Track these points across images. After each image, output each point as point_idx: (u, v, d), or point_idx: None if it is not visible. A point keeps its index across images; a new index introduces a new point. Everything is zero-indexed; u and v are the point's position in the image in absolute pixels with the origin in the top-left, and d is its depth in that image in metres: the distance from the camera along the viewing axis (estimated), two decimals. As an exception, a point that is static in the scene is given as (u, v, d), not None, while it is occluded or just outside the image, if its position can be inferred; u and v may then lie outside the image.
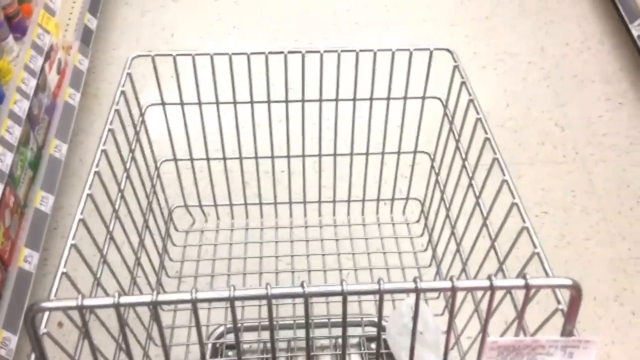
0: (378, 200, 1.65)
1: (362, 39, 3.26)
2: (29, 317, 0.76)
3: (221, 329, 1.59)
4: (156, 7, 3.41)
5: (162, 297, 0.75)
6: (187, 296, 0.75)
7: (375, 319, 1.60)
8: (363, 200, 1.64)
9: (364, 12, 3.42)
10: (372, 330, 1.59)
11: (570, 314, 0.80)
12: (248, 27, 3.30)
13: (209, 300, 0.76)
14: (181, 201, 1.61)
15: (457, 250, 1.40)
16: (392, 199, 1.64)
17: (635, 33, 3.00)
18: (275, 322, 1.51)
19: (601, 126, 2.93)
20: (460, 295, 1.34)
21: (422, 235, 1.63)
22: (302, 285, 0.76)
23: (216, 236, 1.63)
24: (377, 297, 1.51)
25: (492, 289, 0.77)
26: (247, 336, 1.53)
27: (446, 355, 0.86)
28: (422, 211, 1.63)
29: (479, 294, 1.12)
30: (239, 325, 1.50)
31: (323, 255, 1.61)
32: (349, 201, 1.64)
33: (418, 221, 1.65)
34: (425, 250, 1.61)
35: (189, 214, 1.64)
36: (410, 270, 1.58)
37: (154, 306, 0.77)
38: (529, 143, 2.88)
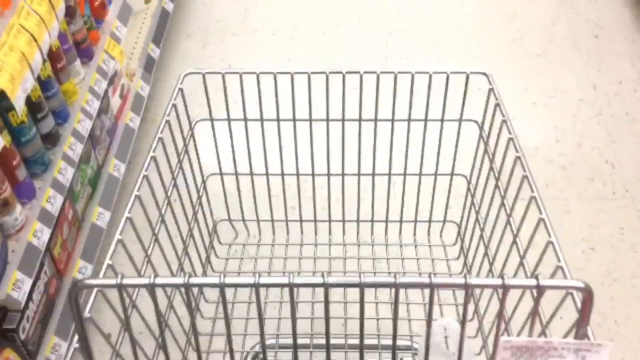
0: (415, 221, 1.68)
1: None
2: (72, 293, 0.83)
3: (258, 346, 1.64)
4: (216, 40, 3.57)
5: (193, 280, 0.81)
6: (215, 280, 0.81)
7: (408, 342, 1.62)
8: (400, 221, 1.68)
9: (415, 48, 3.49)
10: (406, 354, 1.61)
11: (583, 316, 0.83)
12: (302, 61, 3.42)
13: (236, 286, 0.82)
14: (225, 215, 1.69)
15: (490, 270, 1.43)
16: (430, 221, 1.68)
17: (690, 72, 2.97)
18: (309, 341, 1.55)
19: (653, 165, 2.89)
20: (486, 298, 1.36)
21: (458, 258, 1.65)
22: (322, 276, 0.82)
23: (257, 250, 1.69)
24: (409, 314, 1.54)
25: (505, 287, 0.81)
26: (282, 356, 1.58)
27: (461, 351, 0.89)
28: (458, 233, 1.66)
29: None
30: (275, 341, 1.55)
31: (359, 273, 1.65)
32: (386, 221, 1.68)
33: (455, 244, 1.68)
34: (461, 272, 1.63)
35: (233, 228, 1.71)
36: (444, 292, 1.61)
37: (186, 289, 0.83)
38: (578, 179, 2.86)
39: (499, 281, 0.80)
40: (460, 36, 3.57)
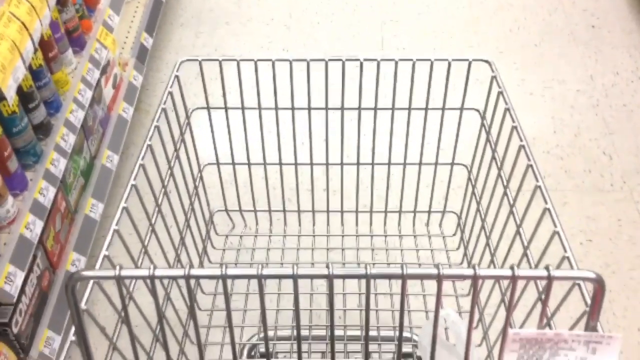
0: (415, 212, 1.66)
1: (408, 64, 3.29)
2: (69, 286, 0.80)
3: (255, 338, 1.62)
4: (210, 29, 3.53)
5: (194, 272, 0.79)
6: (217, 272, 0.79)
7: (408, 334, 1.60)
8: (400, 212, 1.66)
9: (411, 38, 3.46)
10: (406, 346, 1.59)
11: (594, 308, 0.81)
12: (297, 50, 3.39)
13: (239, 277, 0.80)
14: (222, 205, 1.66)
15: (492, 261, 1.41)
16: (429, 211, 1.65)
17: (687, 62, 2.96)
18: (308, 333, 1.53)
19: (650, 156, 2.88)
20: (487, 290, 1.34)
21: (458, 248, 1.63)
22: (327, 267, 0.79)
23: (254, 241, 1.66)
24: (409, 307, 1.52)
25: (514, 278, 0.78)
26: (280, 348, 1.55)
27: (468, 345, 0.87)
28: (458, 224, 1.64)
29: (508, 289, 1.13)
30: (273, 334, 1.52)
31: (358, 264, 1.63)
32: (385, 212, 1.65)
33: (454, 234, 1.65)
34: (461, 263, 1.61)
35: (229, 219, 1.69)
36: (445, 283, 1.58)
37: (187, 281, 0.80)
38: (575, 170, 2.85)
39: (508, 272, 0.78)
40: (456, 26, 3.54)
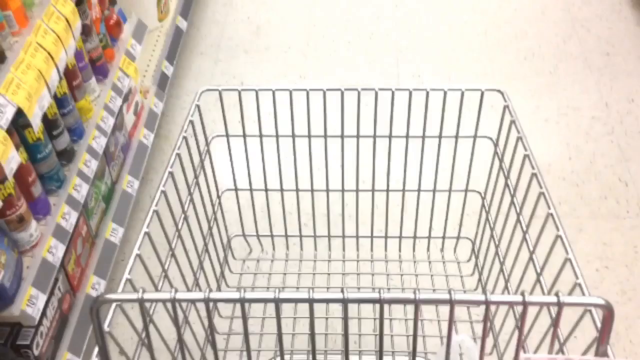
0: (429, 237, 1.68)
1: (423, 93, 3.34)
2: (94, 308, 0.83)
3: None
4: (228, 57, 3.60)
5: (214, 295, 0.82)
6: (236, 295, 0.82)
7: (422, 359, 1.62)
8: (414, 237, 1.68)
9: (426, 65, 3.51)
10: (421, 370, 1.60)
11: (603, 334, 0.82)
12: (314, 77, 3.44)
13: (257, 301, 0.82)
14: (240, 230, 1.69)
15: (505, 287, 1.42)
16: (443, 237, 1.68)
17: (703, 90, 2.97)
18: (324, 358, 1.55)
19: (667, 182, 2.88)
20: (501, 315, 1.36)
21: (472, 274, 1.65)
22: (342, 291, 0.82)
23: (271, 266, 1.69)
24: (424, 332, 1.54)
25: (525, 304, 0.80)
26: None
27: (480, 369, 0.88)
28: (473, 250, 1.66)
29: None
30: (289, 358, 1.55)
31: (373, 289, 1.65)
32: (400, 237, 1.68)
33: (469, 260, 1.67)
34: (476, 289, 1.63)
35: (247, 243, 1.72)
36: (460, 308, 1.60)
37: (206, 304, 0.83)
38: (591, 197, 2.85)
39: (519, 298, 0.80)
40: (472, 54, 3.58)
